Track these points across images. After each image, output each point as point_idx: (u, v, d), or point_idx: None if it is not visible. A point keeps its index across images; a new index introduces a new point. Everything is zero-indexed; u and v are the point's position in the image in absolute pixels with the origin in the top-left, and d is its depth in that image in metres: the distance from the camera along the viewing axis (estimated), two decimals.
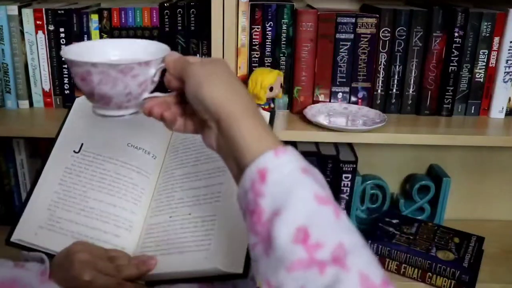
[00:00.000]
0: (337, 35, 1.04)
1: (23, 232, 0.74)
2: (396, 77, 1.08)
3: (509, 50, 1.05)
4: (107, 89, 0.55)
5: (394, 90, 1.09)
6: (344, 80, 1.07)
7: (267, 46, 1.05)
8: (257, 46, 1.05)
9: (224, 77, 0.53)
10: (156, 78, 0.59)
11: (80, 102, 0.88)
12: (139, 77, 0.56)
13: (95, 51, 0.61)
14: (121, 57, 0.62)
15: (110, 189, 0.78)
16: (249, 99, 0.53)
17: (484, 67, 1.07)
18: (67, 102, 1.11)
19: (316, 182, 0.49)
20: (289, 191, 0.46)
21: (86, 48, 0.61)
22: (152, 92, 0.60)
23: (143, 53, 0.61)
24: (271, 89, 0.98)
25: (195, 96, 0.52)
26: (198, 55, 1.07)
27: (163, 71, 0.59)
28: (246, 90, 0.55)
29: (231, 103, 0.51)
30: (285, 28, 1.04)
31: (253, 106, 0.53)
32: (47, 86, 1.10)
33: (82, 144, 0.79)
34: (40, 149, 1.19)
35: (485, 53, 1.06)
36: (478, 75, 1.08)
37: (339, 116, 1.05)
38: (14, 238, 0.74)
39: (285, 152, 0.48)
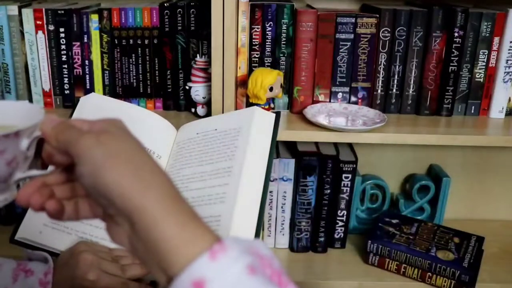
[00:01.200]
0: (337, 35, 1.04)
1: (27, 231, 0.74)
2: (396, 77, 1.08)
3: (509, 50, 1.05)
4: None
5: (394, 90, 1.09)
6: (344, 80, 1.07)
7: (267, 46, 1.05)
8: (257, 46, 1.05)
9: (130, 153, 0.41)
10: (31, 152, 0.45)
11: (84, 101, 0.88)
12: (7, 154, 0.42)
13: None
14: None
15: None
16: (165, 179, 0.41)
17: (484, 67, 1.07)
18: (67, 102, 1.11)
19: (268, 279, 0.38)
20: None
21: None
22: (27, 170, 0.46)
23: (13, 118, 0.46)
24: (271, 89, 0.98)
25: (94, 187, 0.40)
26: (198, 55, 1.07)
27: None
28: (156, 163, 0.42)
29: (146, 194, 0.39)
30: (285, 28, 1.04)
31: (172, 189, 0.41)
32: (47, 86, 1.10)
33: None
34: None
35: (485, 53, 1.06)
36: (478, 75, 1.08)
37: (339, 116, 1.05)
38: (18, 236, 0.74)
39: (224, 252, 0.37)
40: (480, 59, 1.06)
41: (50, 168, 0.45)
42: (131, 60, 1.09)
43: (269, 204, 1.13)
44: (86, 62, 1.09)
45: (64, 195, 0.45)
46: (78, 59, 1.08)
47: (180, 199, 0.41)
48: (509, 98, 1.09)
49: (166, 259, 0.38)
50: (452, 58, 1.06)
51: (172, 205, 0.39)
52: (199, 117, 1.07)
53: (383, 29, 1.05)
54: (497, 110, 1.10)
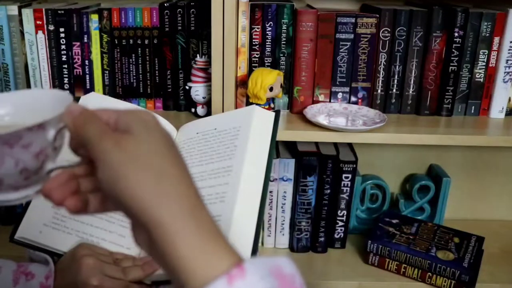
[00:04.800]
0: (337, 35, 1.04)
1: (27, 230, 0.74)
2: (396, 77, 1.08)
3: (509, 50, 1.05)
4: None
5: (394, 90, 1.09)
6: (344, 80, 1.07)
7: (267, 46, 1.05)
8: (257, 46, 1.05)
9: (150, 159, 0.38)
10: (59, 142, 0.43)
11: (84, 100, 0.88)
12: (33, 147, 0.40)
13: None
14: (14, 118, 0.46)
15: None
16: (186, 189, 0.38)
17: (484, 67, 1.07)
18: None
19: None
20: None
21: None
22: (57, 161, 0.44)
23: (43, 108, 0.45)
24: (271, 89, 0.98)
25: (111, 195, 0.38)
26: (198, 55, 1.07)
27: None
28: (179, 168, 0.39)
29: (163, 207, 0.36)
30: (285, 28, 1.04)
31: (193, 201, 0.38)
32: (47, 86, 1.10)
33: None
34: None
35: (485, 53, 1.06)
36: (478, 75, 1.08)
37: (339, 116, 1.05)
38: (18, 235, 0.74)
39: (243, 277, 0.35)
40: (480, 59, 1.06)
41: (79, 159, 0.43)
42: (131, 60, 1.09)
43: (269, 204, 1.13)
44: (86, 62, 1.09)
45: (91, 187, 0.43)
46: (78, 59, 1.08)
47: (200, 213, 0.38)
48: (509, 98, 1.09)
49: (181, 277, 0.36)
50: (452, 58, 1.06)
51: (191, 221, 0.37)
52: (199, 117, 1.07)
53: (383, 29, 1.05)
54: (497, 110, 1.10)
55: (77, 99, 0.96)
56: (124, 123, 0.40)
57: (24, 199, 0.44)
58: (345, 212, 1.14)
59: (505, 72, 1.07)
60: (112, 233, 0.76)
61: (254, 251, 0.65)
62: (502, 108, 1.09)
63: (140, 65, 1.09)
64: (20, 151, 0.40)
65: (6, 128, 0.39)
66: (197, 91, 1.06)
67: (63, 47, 1.07)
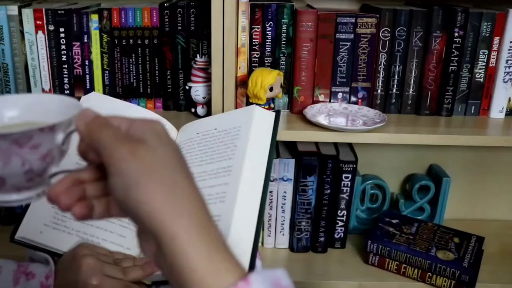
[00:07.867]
0: (337, 35, 1.04)
1: (28, 230, 0.74)
2: (396, 77, 1.08)
3: (509, 50, 1.05)
4: None
5: (394, 90, 1.09)
6: (344, 80, 1.07)
7: (267, 46, 1.05)
8: (257, 46, 1.05)
9: (165, 171, 0.39)
10: (66, 147, 0.43)
11: (85, 100, 0.88)
12: (41, 148, 0.41)
13: None
14: (21, 120, 0.46)
15: None
16: (197, 203, 0.40)
17: (484, 67, 1.07)
18: None
19: None
20: None
21: None
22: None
23: (50, 112, 0.45)
24: (271, 89, 0.98)
25: (124, 202, 0.38)
26: (198, 55, 1.07)
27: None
28: (190, 181, 0.41)
29: (176, 221, 0.37)
30: (285, 28, 1.04)
31: (203, 215, 0.39)
32: (47, 86, 1.10)
33: None
34: None
35: (485, 53, 1.06)
36: (478, 75, 1.08)
37: (339, 116, 1.05)
38: (18, 236, 0.74)
39: None
40: (480, 59, 1.06)
41: (85, 163, 0.43)
42: (131, 60, 1.09)
43: (269, 204, 1.13)
44: (86, 62, 1.09)
45: (96, 193, 0.43)
46: (78, 59, 1.08)
47: (210, 227, 0.39)
48: (509, 98, 1.09)
49: (188, 286, 0.37)
50: (452, 58, 1.06)
51: (201, 234, 0.38)
52: (199, 117, 1.07)
53: (383, 29, 1.05)
54: (497, 110, 1.10)
55: (77, 99, 0.96)
56: (138, 132, 0.40)
57: (25, 201, 0.44)
58: (345, 212, 1.14)
59: (505, 72, 1.07)
60: (113, 233, 0.76)
61: (254, 252, 0.65)
62: (502, 108, 1.09)
63: (140, 65, 1.09)
64: (29, 151, 0.40)
65: (17, 127, 0.39)
66: (197, 91, 1.06)
67: (63, 47, 1.07)
